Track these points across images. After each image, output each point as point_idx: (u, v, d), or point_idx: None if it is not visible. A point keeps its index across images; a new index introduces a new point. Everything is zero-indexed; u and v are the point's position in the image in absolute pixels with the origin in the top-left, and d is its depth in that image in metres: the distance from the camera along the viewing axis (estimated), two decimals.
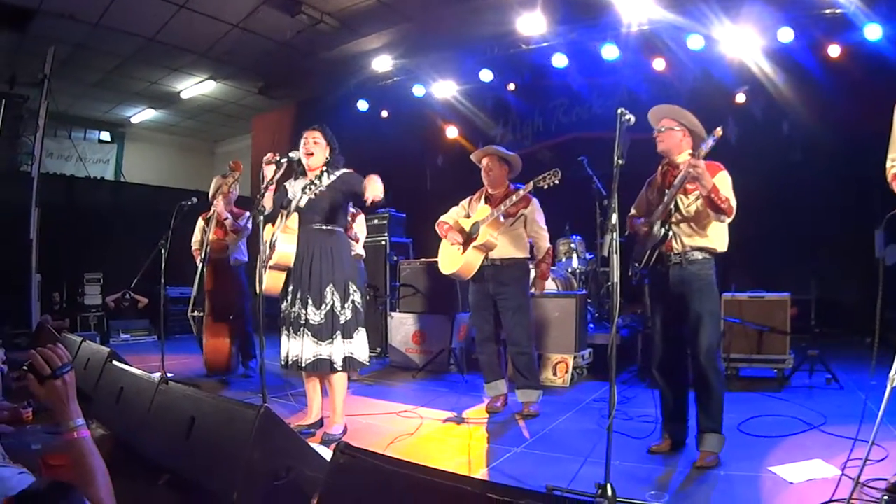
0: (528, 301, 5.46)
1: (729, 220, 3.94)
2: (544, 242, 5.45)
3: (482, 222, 5.22)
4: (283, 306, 4.71)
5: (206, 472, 3.02)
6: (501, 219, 5.23)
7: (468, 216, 5.51)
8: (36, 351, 2.07)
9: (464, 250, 5.32)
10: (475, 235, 5.25)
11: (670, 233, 4.04)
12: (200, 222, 7.24)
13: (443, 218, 5.66)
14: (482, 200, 5.49)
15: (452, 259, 5.43)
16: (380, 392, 6.43)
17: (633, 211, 4.49)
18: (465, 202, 5.67)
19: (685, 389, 4.22)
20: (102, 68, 11.23)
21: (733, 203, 3.93)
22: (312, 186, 4.60)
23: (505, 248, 5.29)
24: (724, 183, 3.97)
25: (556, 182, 5.01)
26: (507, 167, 5.45)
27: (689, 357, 4.11)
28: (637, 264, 4.23)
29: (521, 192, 5.19)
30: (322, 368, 4.55)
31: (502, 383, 5.57)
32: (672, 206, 4.04)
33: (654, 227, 4.10)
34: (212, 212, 6.97)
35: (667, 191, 4.07)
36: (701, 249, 4.01)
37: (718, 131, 3.88)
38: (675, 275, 4.05)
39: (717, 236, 4.03)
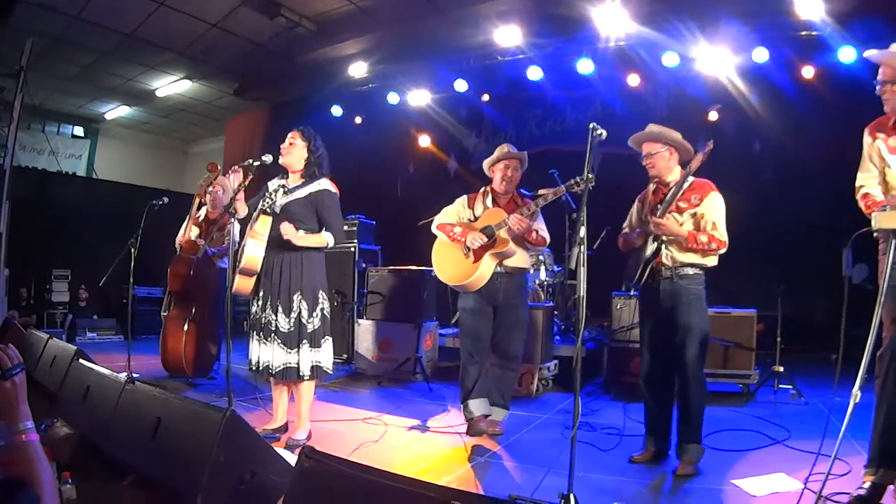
0: (527, 316, 5.37)
1: (721, 251, 4.06)
2: (544, 234, 5.12)
3: (498, 227, 4.87)
4: (254, 310, 4.69)
5: (171, 473, 3.00)
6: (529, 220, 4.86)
7: (471, 219, 5.14)
8: None
9: (476, 259, 4.93)
10: (493, 241, 4.88)
11: (662, 248, 4.11)
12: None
13: (442, 219, 5.24)
14: (489, 201, 5.14)
15: (461, 268, 5.00)
16: (345, 398, 6.40)
17: (625, 228, 4.54)
18: (463, 202, 5.27)
19: (671, 403, 4.25)
20: (79, 62, 11.11)
21: (721, 231, 4.04)
22: (290, 193, 4.59)
23: (516, 257, 5.00)
24: (713, 206, 4.10)
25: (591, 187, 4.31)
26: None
27: (674, 370, 4.16)
28: (630, 280, 4.31)
29: (551, 198, 4.81)
30: (290, 376, 4.56)
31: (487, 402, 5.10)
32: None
33: (647, 243, 4.18)
34: (196, 212, 7.02)
35: (659, 206, 4.16)
36: (692, 265, 4.09)
37: (710, 145, 4.00)
38: (665, 289, 4.12)
39: None
